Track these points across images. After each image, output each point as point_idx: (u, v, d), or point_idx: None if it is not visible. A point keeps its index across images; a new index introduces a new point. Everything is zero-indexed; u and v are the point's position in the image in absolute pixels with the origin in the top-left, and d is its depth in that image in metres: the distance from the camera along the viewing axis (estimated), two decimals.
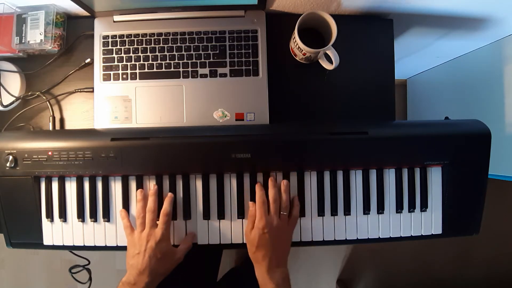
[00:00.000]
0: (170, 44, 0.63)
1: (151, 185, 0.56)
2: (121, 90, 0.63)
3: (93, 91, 0.63)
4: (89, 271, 0.65)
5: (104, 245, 0.56)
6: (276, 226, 0.52)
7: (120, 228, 0.55)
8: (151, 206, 0.53)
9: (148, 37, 0.63)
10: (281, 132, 0.56)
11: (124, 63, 0.63)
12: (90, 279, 0.64)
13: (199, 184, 0.56)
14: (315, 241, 0.57)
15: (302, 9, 0.66)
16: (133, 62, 0.63)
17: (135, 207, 0.55)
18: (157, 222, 0.53)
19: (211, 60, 0.63)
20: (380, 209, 0.57)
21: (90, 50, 0.64)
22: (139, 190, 0.55)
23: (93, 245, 0.56)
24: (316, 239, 0.57)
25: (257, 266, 0.52)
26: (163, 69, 0.63)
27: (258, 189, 0.54)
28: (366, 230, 0.57)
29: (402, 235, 0.57)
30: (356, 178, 0.57)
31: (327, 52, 0.60)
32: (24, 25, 0.61)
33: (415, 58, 1.05)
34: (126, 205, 0.56)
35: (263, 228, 0.51)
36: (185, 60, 0.63)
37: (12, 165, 0.53)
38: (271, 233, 0.51)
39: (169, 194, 0.55)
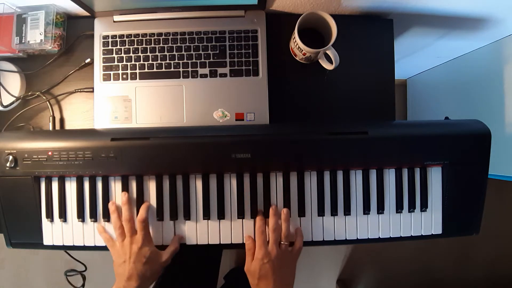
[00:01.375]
0: (170, 44, 0.63)
1: (150, 186, 0.56)
2: (121, 90, 0.63)
3: (93, 91, 0.63)
4: (83, 277, 0.65)
5: (104, 245, 0.56)
6: (276, 256, 0.51)
7: None
8: (126, 215, 0.53)
9: (148, 37, 0.63)
10: (281, 132, 0.56)
11: (124, 63, 0.63)
12: (83, 285, 0.64)
13: (199, 184, 0.56)
14: (315, 241, 0.57)
15: (302, 9, 0.66)
16: (133, 62, 0.63)
17: (135, 208, 0.55)
18: (136, 229, 0.53)
19: (211, 60, 0.63)
20: (380, 209, 0.57)
21: (90, 50, 0.64)
22: (110, 202, 0.55)
23: (93, 245, 0.56)
24: (316, 239, 0.57)
25: None
26: (163, 69, 0.63)
27: (258, 219, 0.54)
28: (366, 230, 0.57)
29: (402, 235, 0.57)
30: (356, 178, 0.57)
31: (327, 52, 0.60)
32: (24, 25, 0.61)
33: (415, 58, 1.05)
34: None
35: (262, 258, 0.51)
36: (185, 60, 0.63)
37: (12, 165, 0.53)
38: (271, 263, 0.51)
39: (145, 202, 0.55)
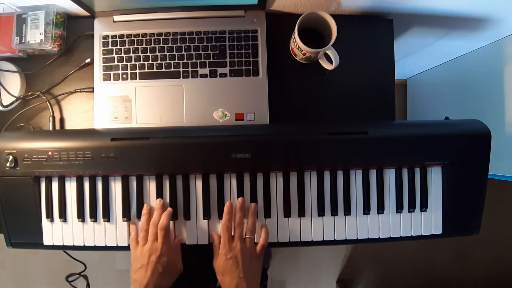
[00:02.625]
0: (170, 44, 0.63)
1: (150, 186, 0.56)
2: (121, 90, 0.63)
3: (93, 91, 0.63)
4: (86, 277, 0.65)
5: (104, 245, 0.56)
6: (240, 251, 0.51)
7: (120, 228, 0.56)
8: (155, 219, 0.53)
9: (148, 37, 0.63)
10: (281, 132, 0.56)
11: (124, 63, 0.63)
12: (88, 285, 0.64)
13: (199, 184, 0.56)
14: (315, 241, 0.57)
15: (302, 9, 0.66)
16: (133, 62, 0.63)
17: (135, 208, 0.55)
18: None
19: (211, 60, 0.63)
20: (380, 209, 0.57)
21: (90, 50, 0.64)
22: (145, 205, 0.55)
23: (93, 245, 0.56)
24: (316, 239, 0.57)
25: None
26: (163, 69, 0.63)
27: (225, 213, 0.53)
28: (366, 230, 0.57)
29: (402, 235, 0.57)
30: (356, 178, 0.57)
31: (327, 52, 0.60)
32: (24, 25, 0.61)
33: (415, 58, 1.05)
34: (126, 205, 0.56)
35: (226, 254, 0.51)
36: (185, 60, 0.63)
37: (12, 165, 0.53)
38: (236, 258, 0.51)
39: (169, 208, 0.54)
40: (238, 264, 0.50)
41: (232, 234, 0.53)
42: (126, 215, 0.56)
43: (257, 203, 0.56)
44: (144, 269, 0.50)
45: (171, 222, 0.56)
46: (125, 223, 0.56)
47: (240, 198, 0.55)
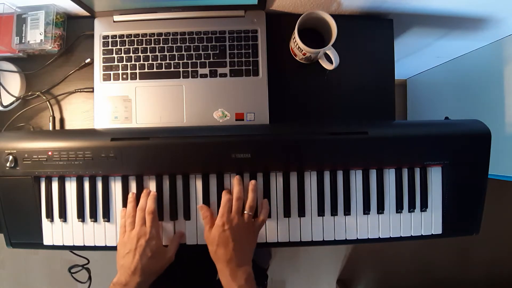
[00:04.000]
0: (170, 44, 0.63)
1: (150, 186, 0.56)
2: (121, 90, 0.63)
3: (93, 91, 0.63)
4: (88, 270, 0.65)
5: (104, 245, 0.56)
6: (237, 224, 0.51)
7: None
8: (142, 204, 0.53)
9: (148, 37, 0.63)
10: (281, 132, 0.56)
11: (124, 63, 0.63)
12: (89, 278, 0.64)
13: (199, 184, 0.56)
14: (315, 241, 0.57)
15: (302, 9, 0.66)
16: (133, 62, 0.63)
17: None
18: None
19: (211, 60, 0.63)
20: (380, 209, 0.57)
21: (90, 50, 0.64)
22: (131, 193, 0.55)
23: (93, 245, 0.56)
24: (316, 239, 0.57)
25: (219, 266, 0.51)
26: (163, 69, 0.63)
27: (224, 192, 0.54)
28: (366, 230, 0.57)
29: (402, 235, 0.57)
30: (356, 178, 0.57)
31: (327, 52, 0.60)
32: (24, 25, 0.61)
33: (415, 58, 1.05)
34: (125, 205, 0.55)
35: (222, 225, 0.50)
36: (185, 60, 0.63)
37: (12, 165, 0.53)
38: (231, 230, 0.50)
39: (152, 192, 0.54)
40: (233, 238, 0.50)
41: (231, 207, 0.53)
42: None
43: (257, 203, 0.56)
44: (132, 254, 0.50)
45: (171, 222, 0.56)
46: None
47: (238, 176, 0.54)
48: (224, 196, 0.53)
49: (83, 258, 0.66)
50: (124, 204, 0.55)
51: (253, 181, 0.54)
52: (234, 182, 0.54)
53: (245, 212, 0.53)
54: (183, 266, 0.55)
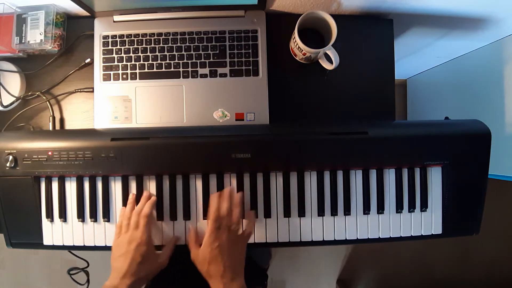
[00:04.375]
0: (170, 44, 0.63)
1: (150, 186, 0.56)
2: (121, 90, 0.63)
3: (93, 91, 0.63)
4: (87, 273, 0.65)
5: (104, 245, 0.56)
6: (226, 240, 0.51)
7: None
8: (139, 208, 0.53)
9: (148, 37, 0.63)
10: (281, 132, 0.56)
11: (124, 63, 0.63)
12: (88, 281, 0.64)
13: (199, 184, 0.56)
14: (315, 241, 0.57)
15: (302, 9, 0.66)
16: (133, 62, 0.63)
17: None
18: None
19: (211, 60, 0.63)
20: (380, 209, 0.57)
21: (90, 50, 0.64)
22: (131, 194, 0.55)
23: (93, 245, 0.56)
24: (316, 239, 0.57)
25: (212, 283, 0.51)
26: (163, 69, 0.63)
27: (212, 203, 0.53)
28: (366, 230, 0.57)
29: (402, 235, 0.57)
30: (356, 178, 0.57)
31: (327, 52, 0.60)
32: (24, 25, 0.61)
33: (415, 58, 1.05)
34: (126, 205, 0.55)
35: (213, 243, 0.50)
36: (185, 60, 0.63)
37: (12, 165, 0.53)
38: (221, 247, 0.50)
39: (153, 197, 0.55)
40: (224, 253, 0.50)
41: (219, 224, 0.53)
42: None
43: (256, 203, 0.56)
44: (124, 257, 0.50)
45: (171, 222, 0.56)
46: None
47: (226, 189, 0.54)
48: (212, 212, 0.53)
49: (83, 260, 0.66)
50: (124, 204, 0.55)
51: (238, 194, 0.54)
52: (223, 196, 0.53)
53: (232, 227, 0.53)
54: (183, 267, 0.55)
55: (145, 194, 0.55)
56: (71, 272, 0.63)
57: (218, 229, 0.52)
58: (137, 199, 0.55)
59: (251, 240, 0.56)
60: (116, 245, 0.52)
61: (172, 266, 0.54)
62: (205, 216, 0.56)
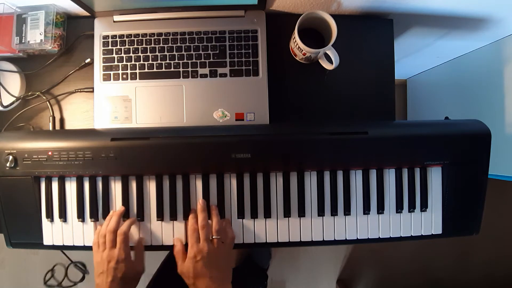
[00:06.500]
0: (170, 44, 0.63)
1: (150, 186, 0.56)
2: (121, 90, 0.63)
3: (93, 91, 0.63)
4: (84, 272, 0.65)
5: None
6: (209, 251, 0.51)
7: None
8: (111, 226, 0.53)
9: (148, 37, 0.63)
10: (281, 132, 0.56)
11: (124, 63, 0.63)
12: (83, 278, 0.64)
13: (199, 184, 0.56)
14: (315, 241, 0.57)
15: (302, 9, 0.66)
16: (133, 62, 0.63)
17: (135, 208, 0.56)
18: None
19: (211, 60, 0.63)
20: (380, 209, 0.57)
21: (90, 50, 0.64)
22: (111, 211, 0.55)
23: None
24: (316, 239, 0.57)
25: None
26: (163, 69, 0.63)
27: (190, 217, 0.54)
28: (366, 230, 0.57)
29: (402, 235, 0.57)
30: (356, 178, 0.57)
31: (327, 52, 0.60)
32: (24, 25, 0.61)
33: (415, 58, 1.05)
34: (126, 205, 0.56)
35: (195, 256, 0.51)
36: (185, 60, 0.63)
37: (12, 165, 0.53)
38: (203, 260, 0.51)
39: (131, 218, 0.55)
40: (207, 265, 0.51)
41: (198, 236, 0.53)
42: (126, 215, 0.55)
43: (256, 203, 0.56)
44: (105, 275, 0.51)
45: (171, 222, 0.56)
46: None
47: (200, 200, 0.55)
48: (190, 225, 0.53)
49: (80, 265, 0.66)
50: (125, 204, 0.55)
51: (212, 206, 0.55)
52: (198, 209, 0.54)
53: (213, 237, 0.53)
54: (163, 281, 0.55)
55: (112, 212, 0.55)
56: (76, 264, 0.62)
57: (198, 241, 0.52)
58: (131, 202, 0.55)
59: (251, 240, 0.56)
60: (97, 263, 0.53)
61: (173, 267, 0.54)
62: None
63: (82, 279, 0.63)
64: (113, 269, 0.51)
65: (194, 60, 0.63)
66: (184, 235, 0.56)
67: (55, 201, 0.56)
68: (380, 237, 0.57)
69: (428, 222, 0.57)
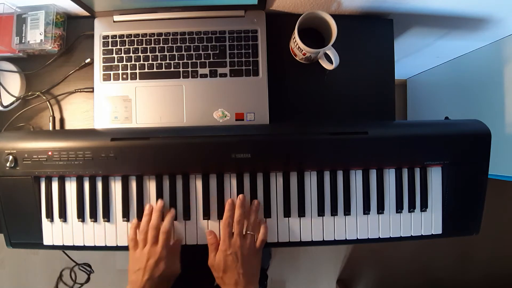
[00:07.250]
0: (170, 44, 0.63)
1: (150, 186, 0.56)
2: (121, 90, 0.63)
3: (93, 91, 0.63)
4: (89, 273, 0.65)
5: (104, 245, 0.56)
6: (240, 246, 0.51)
7: (120, 228, 0.56)
8: (154, 222, 0.53)
9: (148, 37, 0.63)
10: (281, 132, 0.56)
11: (124, 63, 0.63)
12: (88, 279, 0.64)
13: (199, 184, 0.56)
14: (315, 241, 0.57)
15: (302, 9, 0.66)
16: (133, 62, 0.63)
17: (135, 208, 0.56)
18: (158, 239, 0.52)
19: (211, 60, 0.63)
20: (380, 209, 0.57)
21: (90, 50, 0.64)
22: (147, 205, 0.55)
23: (93, 245, 0.56)
24: (316, 239, 0.57)
25: None
26: (163, 69, 0.63)
27: (226, 209, 0.54)
28: (366, 230, 0.57)
29: (402, 235, 0.57)
30: (356, 178, 0.57)
31: (327, 52, 0.60)
32: (24, 25, 0.61)
33: (415, 58, 1.05)
34: (125, 205, 0.56)
35: (226, 250, 0.51)
36: (185, 60, 0.63)
37: (12, 165, 0.53)
38: (236, 254, 0.51)
39: (171, 210, 0.54)
40: (238, 260, 0.51)
41: (232, 230, 0.53)
42: (126, 215, 0.56)
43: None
44: (142, 272, 0.50)
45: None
46: (125, 223, 0.56)
47: (240, 195, 0.55)
48: (225, 219, 0.53)
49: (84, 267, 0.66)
50: (125, 204, 0.55)
51: (255, 201, 0.54)
52: (237, 204, 0.54)
53: (247, 232, 0.53)
54: (183, 271, 0.55)
55: (157, 206, 0.54)
56: (80, 267, 0.62)
57: (231, 236, 0.52)
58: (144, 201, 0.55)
59: None
60: (134, 259, 0.52)
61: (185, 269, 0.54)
62: (205, 216, 0.56)
63: (88, 280, 0.63)
64: (153, 266, 0.50)
65: (194, 60, 0.63)
66: (184, 235, 0.56)
67: (55, 201, 0.56)
68: (380, 237, 0.57)
69: (428, 222, 0.57)
